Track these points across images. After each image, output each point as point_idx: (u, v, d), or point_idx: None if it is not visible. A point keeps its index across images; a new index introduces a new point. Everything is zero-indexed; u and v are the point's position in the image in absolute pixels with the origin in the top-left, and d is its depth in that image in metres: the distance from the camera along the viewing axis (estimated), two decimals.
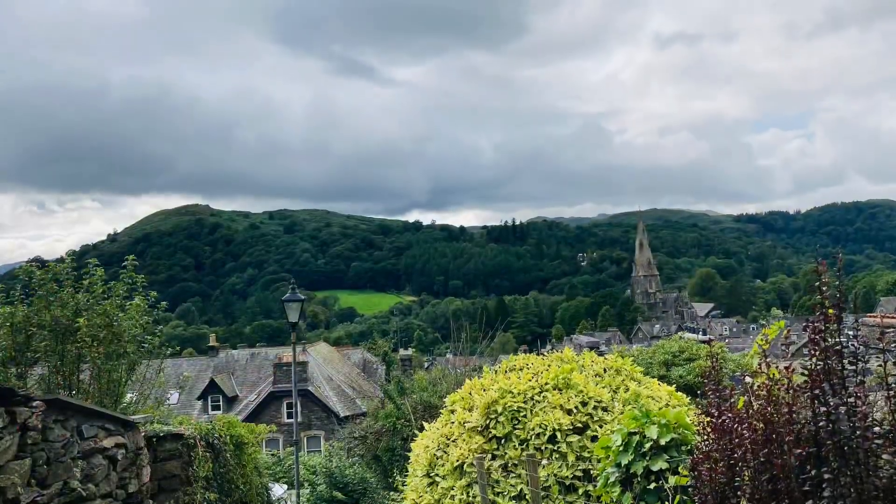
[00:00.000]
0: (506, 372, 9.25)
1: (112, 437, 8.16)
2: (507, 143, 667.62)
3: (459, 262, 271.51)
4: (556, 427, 7.59)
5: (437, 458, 8.49)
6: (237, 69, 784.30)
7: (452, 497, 7.97)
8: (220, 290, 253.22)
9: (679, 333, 35.00)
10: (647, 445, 5.38)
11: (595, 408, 7.87)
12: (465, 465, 7.99)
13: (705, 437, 4.47)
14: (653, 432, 5.39)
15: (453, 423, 8.68)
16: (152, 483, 9.55)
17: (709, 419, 4.43)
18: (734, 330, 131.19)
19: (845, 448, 3.36)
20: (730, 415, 4.16)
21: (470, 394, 8.92)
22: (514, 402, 8.02)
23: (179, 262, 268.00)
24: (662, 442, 5.33)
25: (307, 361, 44.22)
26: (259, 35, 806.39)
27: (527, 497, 7.25)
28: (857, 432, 3.32)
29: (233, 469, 11.71)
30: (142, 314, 12.36)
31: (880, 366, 3.39)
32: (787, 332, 4.52)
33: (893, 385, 3.36)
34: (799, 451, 3.54)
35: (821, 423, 3.45)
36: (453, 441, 8.42)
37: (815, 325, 3.57)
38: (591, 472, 7.13)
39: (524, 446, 7.69)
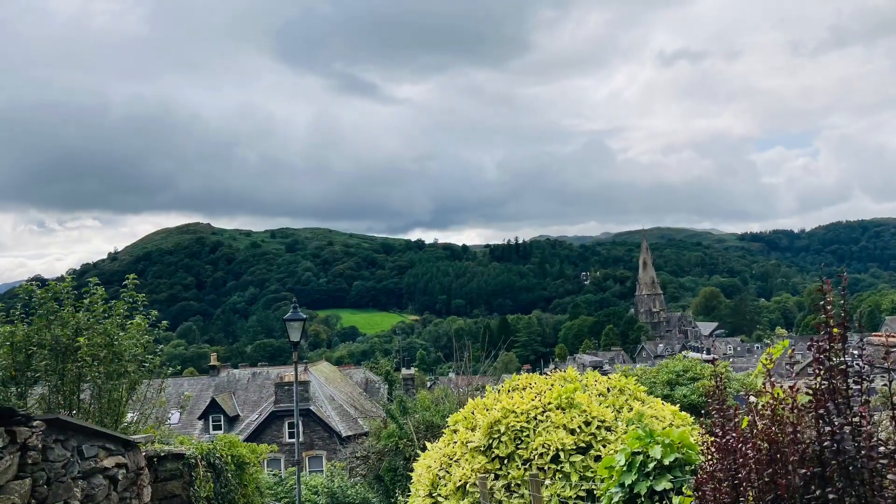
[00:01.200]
0: (509, 391, 9.22)
1: (113, 456, 8.14)
2: (509, 161, 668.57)
3: (462, 281, 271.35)
4: (560, 447, 7.55)
5: (440, 478, 8.45)
6: (238, 87, 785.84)
7: None
8: (222, 308, 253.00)
9: (683, 352, 34.87)
10: (651, 465, 5.35)
11: (598, 427, 7.83)
12: (467, 486, 7.95)
13: (709, 456, 4.44)
14: (656, 452, 5.36)
15: (456, 442, 8.65)
16: (153, 503, 9.50)
17: (713, 439, 4.40)
18: (738, 349, 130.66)
19: (850, 468, 3.33)
20: (734, 434, 4.14)
21: (473, 413, 8.89)
22: (517, 422, 7.99)
23: (180, 280, 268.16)
24: (666, 462, 5.30)
25: (309, 381, 44.12)
26: (260, 52, 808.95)
27: None
28: (862, 452, 3.30)
29: (234, 489, 11.65)
30: (142, 333, 12.33)
31: (885, 385, 3.37)
32: (792, 352, 4.51)
33: None
34: (803, 470, 3.51)
35: (825, 443, 3.43)
36: (456, 461, 8.38)
37: (820, 344, 3.56)
38: (595, 492, 7.08)
39: (527, 466, 7.65)
